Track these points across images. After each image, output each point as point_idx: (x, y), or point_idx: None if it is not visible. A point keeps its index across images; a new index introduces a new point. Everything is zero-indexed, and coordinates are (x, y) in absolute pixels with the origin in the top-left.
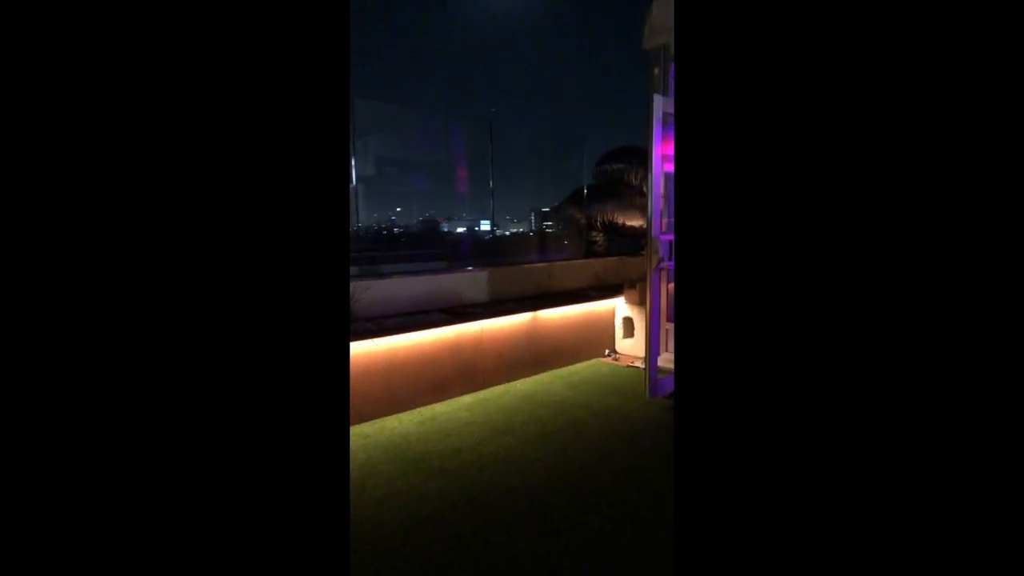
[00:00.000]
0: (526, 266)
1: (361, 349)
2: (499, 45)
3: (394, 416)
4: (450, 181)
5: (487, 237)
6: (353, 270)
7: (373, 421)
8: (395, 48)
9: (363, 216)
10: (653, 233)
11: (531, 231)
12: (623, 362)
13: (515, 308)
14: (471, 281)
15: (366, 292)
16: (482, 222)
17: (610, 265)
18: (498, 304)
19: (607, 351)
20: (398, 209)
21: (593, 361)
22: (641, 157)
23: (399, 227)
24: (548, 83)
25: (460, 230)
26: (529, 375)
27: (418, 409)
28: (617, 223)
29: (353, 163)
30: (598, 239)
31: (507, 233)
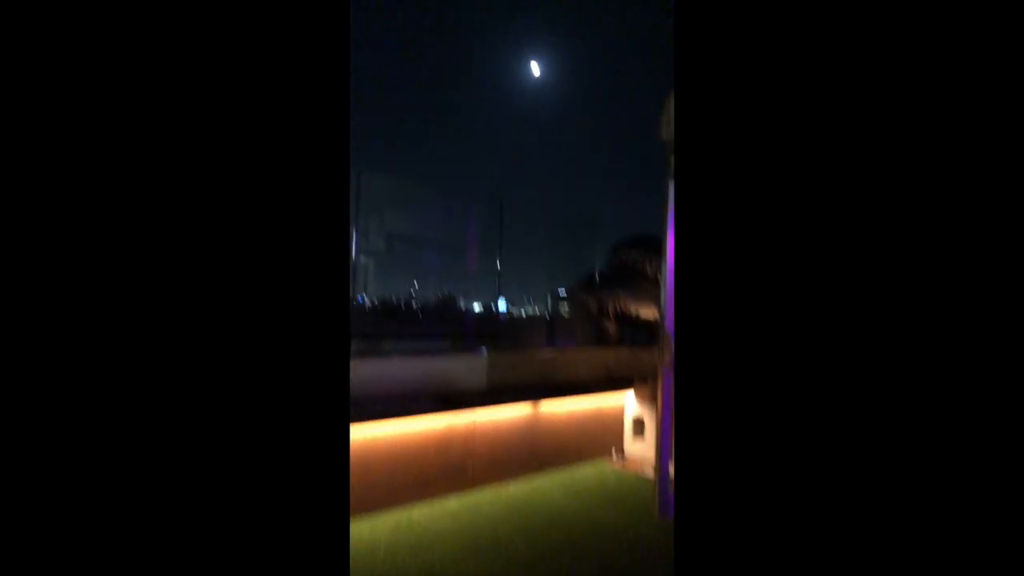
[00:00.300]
0: (530, 353)
1: None
2: (515, 126)
3: (366, 517)
4: (464, 258)
5: (503, 317)
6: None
7: None
8: (408, 127)
9: (379, 289)
10: (667, 328)
11: (547, 313)
12: (632, 466)
13: (515, 398)
14: (468, 366)
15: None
16: (499, 300)
17: (622, 356)
18: (497, 393)
19: (614, 452)
20: (415, 284)
21: (598, 463)
22: (657, 246)
23: (417, 302)
24: (565, 165)
25: (477, 308)
26: (526, 476)
27: (395, 511)
28: (630, 313)
29: (360, 236)
30: (610, 328)
31: (523, 314)
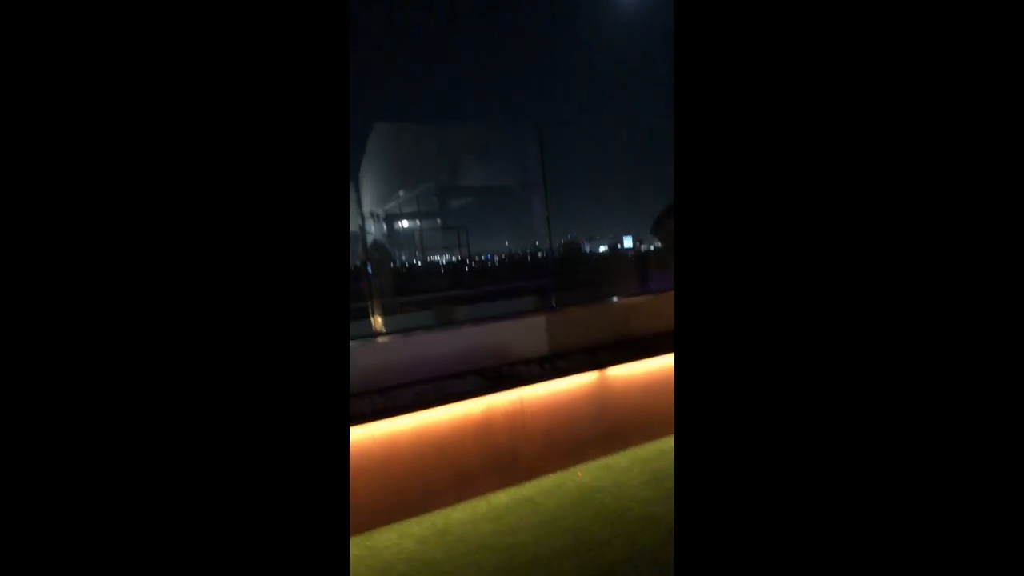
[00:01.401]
0: (599, 305)
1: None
2: (582, 37)
3: (394, 526)
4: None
5: (628, 254)
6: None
7: (365, 534)
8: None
9: (484, 246)
10: None
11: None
12: None
13: (578, 364)
14: (523, 331)
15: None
16: (624, 239)
17: None
18: (561, 358)
19: None
20: (536, 235)
21: None
22: None
23: (542, 252)
24: (646, 77)
25: (602, 249)
26: (597, 457)
27: (430, 515)
28: None
29: (435, 195)
30: None
31: (651, 248)
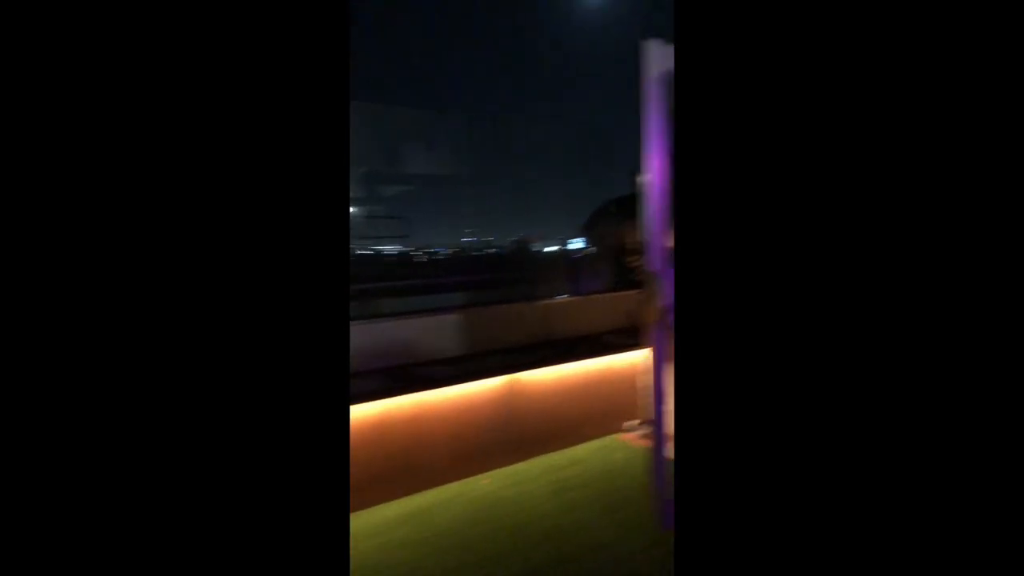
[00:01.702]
0: (515, 306)
1: None
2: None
3: None
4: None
5: (576, 256)
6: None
7: None
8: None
9: (427, 238)
10: (652, 263)
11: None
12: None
13: (492, 367)
14: (434, 330)
15: None
16: (570, 242)
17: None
18: (476, 359)
19: (627, 424)
20: (468, 232)
21: (607, 440)
22: None
23: (494, 248)
24: (584, 76)
25: (549, 249)
26: (506, 465)
27: None
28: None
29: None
30: (637, 263)
31: (590, 250)
